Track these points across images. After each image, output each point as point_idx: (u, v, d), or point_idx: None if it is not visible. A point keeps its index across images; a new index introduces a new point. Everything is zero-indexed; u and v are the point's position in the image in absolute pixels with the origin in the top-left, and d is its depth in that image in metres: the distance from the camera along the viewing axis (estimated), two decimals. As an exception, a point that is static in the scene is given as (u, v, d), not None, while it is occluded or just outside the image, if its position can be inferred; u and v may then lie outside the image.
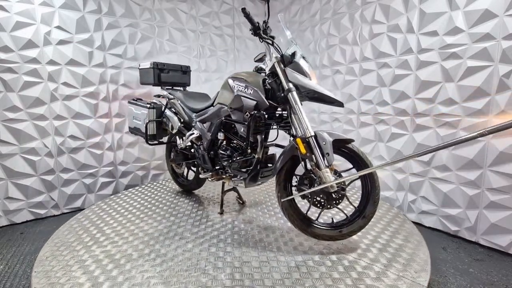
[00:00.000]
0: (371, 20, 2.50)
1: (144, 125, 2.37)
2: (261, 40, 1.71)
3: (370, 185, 1.57)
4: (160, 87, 2.61)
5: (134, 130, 2.58)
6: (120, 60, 2.72)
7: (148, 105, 2.39)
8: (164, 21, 2.96)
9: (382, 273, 1.39)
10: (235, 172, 1.83)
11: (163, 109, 2.46)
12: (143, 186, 2.83)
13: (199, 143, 2.13)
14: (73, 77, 2.49)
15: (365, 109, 2.63)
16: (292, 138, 1.68)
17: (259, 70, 1.86)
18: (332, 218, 1.71)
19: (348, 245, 1.67)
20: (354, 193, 2.55)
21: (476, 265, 1.73)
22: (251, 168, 1.76)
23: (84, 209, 2.45)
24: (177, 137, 2.39)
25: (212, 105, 2.05)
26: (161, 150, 3.06)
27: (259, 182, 1.82)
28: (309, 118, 3.26)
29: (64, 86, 2.46)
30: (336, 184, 1.48)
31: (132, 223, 1.98)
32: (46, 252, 1.65)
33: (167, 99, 2.45)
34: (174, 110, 2.42)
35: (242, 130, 1.77)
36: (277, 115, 1.82)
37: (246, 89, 1.73)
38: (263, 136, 1.78)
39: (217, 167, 2.01)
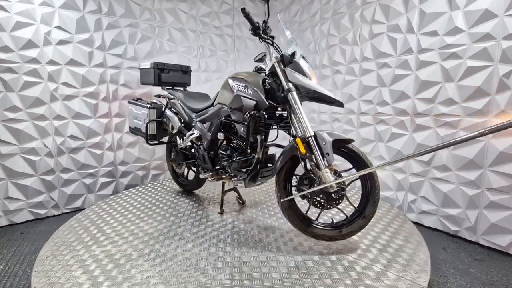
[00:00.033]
0: (371, 20, 2.49)
1: (145, 125, 2.37)
2: (261, 40, 1.71)
3: (370, 185, 1.57)
4: (160, 87, 2.62)
5: (134, 130, 2.59)
6: (120, 60, 2.72)
7: (149, 105, 2.39)
8: (164, 21, 2.96)
9: (382, 274, 1.39)
10: (235, 172, 1.83)
11: (163, 109, 2.46)
12: (143, 186, 2.84)
13: (199, 143, 2.13)
14: (73, 77, 2.49)
15: (365, 109, 2.63)
16: (292, 138, 1.68)
17: (259, 70, 1.86)
18: (332, 218, 1.71)
19: (348, 245, 1.67)
20: (355, 193, 2.55)
21: (476, 265, 1.73)
22: (251, 168, 1.76)
23: (84, 209, 2.45)
24: (177, 137, 2.40)
25: (212, 105, 2.05)
26: (161, 150, 3.07)
27: (259, 182, 1.82)
28: (309, 118, 3.26)
29: (64, 86, 2.46)
30: (336, 184, 1.47)
31: (132, 223, 1.99)
32: (46, 251, 1.65)
33: (168, 99, 2.45)
34: (175, 110, 2.42)
35: (242, 130, 1.77)
36: (277, 115, 1.82)
37: (245, 89, 1.73)
38: (263, 136, 1.78)
39: (217, 167, 2.01)
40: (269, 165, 1.86)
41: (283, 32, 2.00)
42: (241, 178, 1.80)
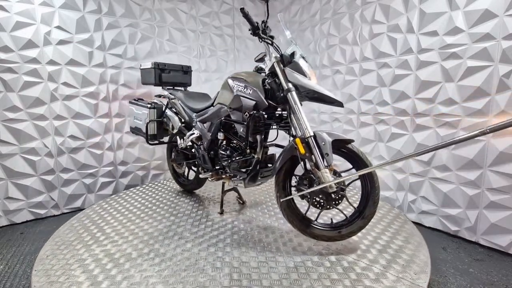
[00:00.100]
0: (371, 20, 2.49)
1: (145, 125, 2.38)
2: (260, 40, 1.71)
3: (369, 186, 1.56)
4: (161, 87, 2.62)
5: (135, 130, 2.59)
6: (120, 60, 2.72)
7: (149, 105, 2.39)
8: (164, 21, 2.96)
9: (381, 275, 1.39)
10: (234, 172, 1.83)
11: (163, 109, 2.46)
12: (143, 186, 2.84)
13: (199, 143, 2.13)
14: (73, 77, 2.49)
15: (365, 109, 2.62)
16: (291, 138, 1.68)
17: (259, 70, 1.86)
18: (331, 219, 1.71)
19: (348, 246, 1.66)
20: (354, 193, 2.55)
21: (476, 265, 1.73)
22: (250, 168, 1.76)
23: (84, 209, 2.45)
24: (177, 137, 2.40)
25: (212, 105, 2.05)
26: (161, 150, 3.07)
27: (259, 182, 1.82)
28: (309, 118, 3.26)
29: (64, 86, 2.46)
30: (335, 184, 1.47)
31: (133, 222, 1.99)
32: (46, 251, 1.66)
33: (168, 99, 2.45)
34: (175, 110, 2.42)
35: (241, 130, 1.77)
36: (276, 115, 1.82)
37: (245, 89, 1.73)
38: (262, 136, 1.78)
39: (217, 167, 2.01)
40: (269, 165, 1.86)
41: (283, 32, 2.01)
42: (241, 178, 1.80)
